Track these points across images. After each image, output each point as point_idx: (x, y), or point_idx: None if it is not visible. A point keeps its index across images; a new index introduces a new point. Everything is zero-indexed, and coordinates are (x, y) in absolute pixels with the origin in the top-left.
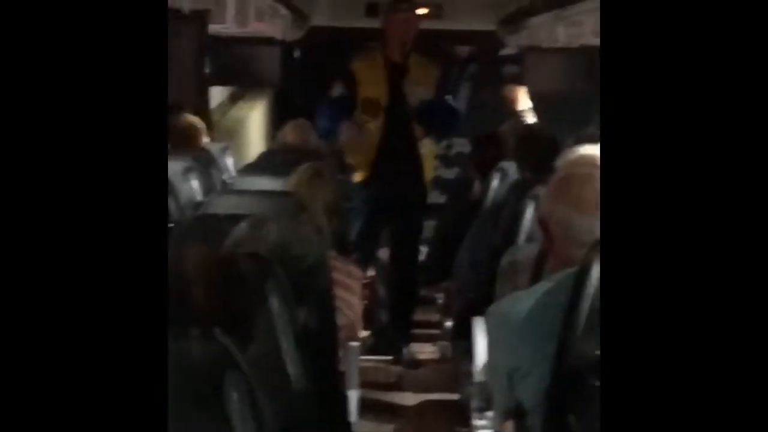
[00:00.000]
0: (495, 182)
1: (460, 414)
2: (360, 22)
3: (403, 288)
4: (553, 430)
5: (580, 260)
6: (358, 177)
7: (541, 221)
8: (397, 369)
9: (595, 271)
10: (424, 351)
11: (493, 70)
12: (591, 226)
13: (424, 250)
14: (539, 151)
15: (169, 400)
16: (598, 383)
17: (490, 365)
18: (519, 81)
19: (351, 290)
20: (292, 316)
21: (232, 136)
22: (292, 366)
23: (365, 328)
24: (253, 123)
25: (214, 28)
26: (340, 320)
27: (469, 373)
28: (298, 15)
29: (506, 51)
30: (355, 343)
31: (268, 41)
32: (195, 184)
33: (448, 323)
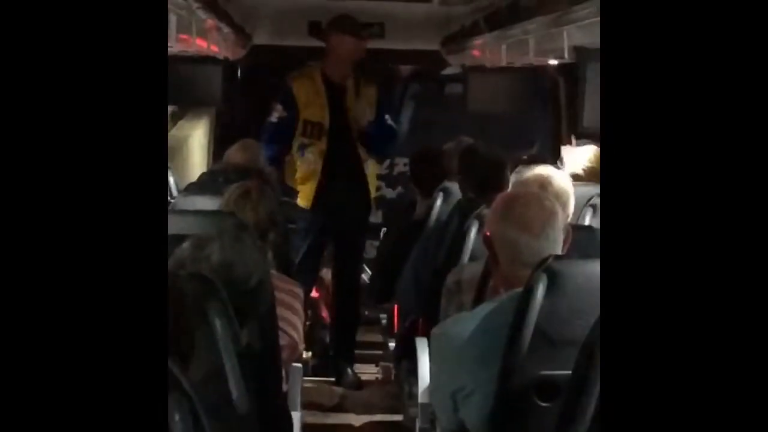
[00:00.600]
0: (438, 202)
1: None
2: (303, 41)
3: (346, 308)
4: None
5: (524, 280)
6: (302, 200)
7: (486, 240)
8: (339, 390)
9: (540, 292)
10: (367, 372)
11: (436, 89)
12: (536, 246)
13: (367, 270)
14: (483, 170)
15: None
16: (542, 403)
17: (433, 386)
18: (462, 100)
19: (293, 310)
20: (234, 337)
21: (173, 155)
22: (235, 387)
23: (307, 349)
24: (195, 142)
25: None
26: (283, 340)
27: (412, 394)
28: (241, 33)
29: (449, 70)
30: (298, 364)
31: (210, 60)
32: None
33: (391, 344)
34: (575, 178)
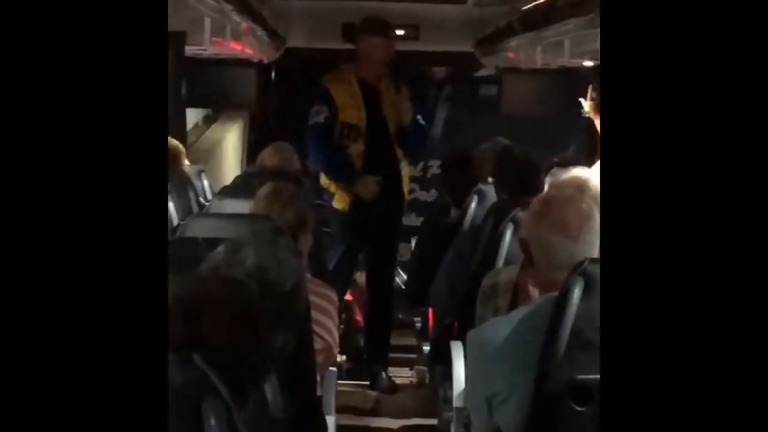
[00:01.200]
0: (473, 205)
1: None
2: (336, 44)
3: (380, 312)
4: None
5: (560, 283)
6: (339, 202)
7: (522, 243)
8: (374, 394)
9: (576, 296)
10: (402, 376)
11: (470, 91)
12: (572, 249)
13: (401, 274)
14: (518, 172)
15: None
16: (578, 408)
17: (468, 390)
18: (496, 102)
19: (328, 314)
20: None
21: (207, 158)
22: (270, 391)
23: (342, 353)
24: (229, 145)
25: (190, 50)
26: (318, 344)
27: (447, 398)
28: (275, 36)
29: (483, 72)
30: (332, 368)
31: (244, 63)
32: (171, 207)
33: (426, 347)
34: None
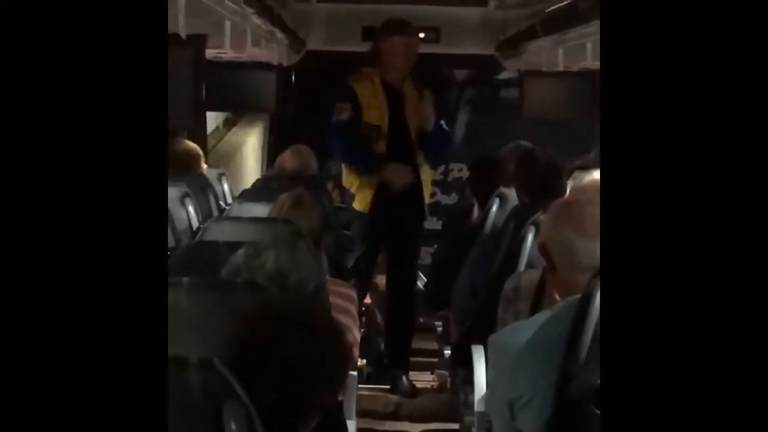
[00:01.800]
0: (494, 208)
1: None
2: (357, 46)
3: (401, 315)
4: None
5: (582, 287)
6: (360, 204)
7: (542, 247)
8: (394, 398)
9: (598, 299)
10: (423, 380)
11: (492, 94)
12: (593, 250)
13: (422, 277)
14: (539, 176)
15: (168, 429)
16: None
17: (490, 394)
18: (518, 105)
19: (348, 313)
20: None
21: (227, 161)
22: None
23: (362, 357)
24: (249, 148)
25: (210, 53)
26: None
27: (468, 403)
28: (295, 39)
29: (505, 75)
30: (353, 372)
31: (265, 66)
32: (191, 210)
33: (447, 351)
34: None
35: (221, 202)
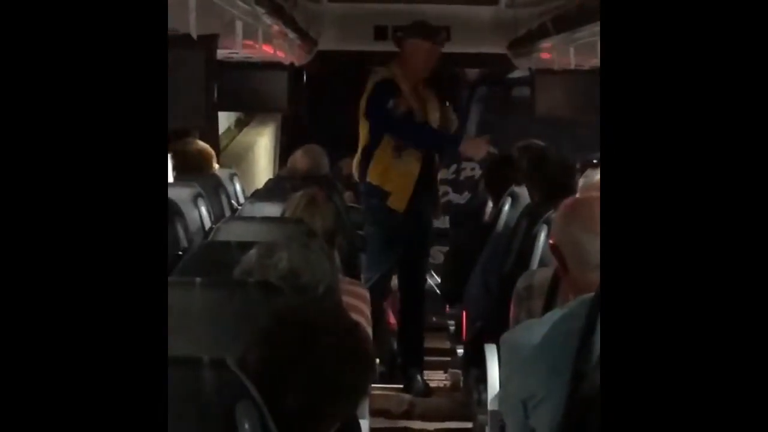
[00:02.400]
0: (506, 207)
1: None
2: (369, 46)
3: (412, 314)
4: None
5: (594, 285)
6: (396, 203)
7: (553, 247)
8: (408, 397)
9: None
10: (436, 379)
11: (503, 92)
12: None
13: (435, 276)
14: (551, 174)
15: (181, 429)
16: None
17: (503, 393)
18: (529, 104)
19: (359, 311)
20: None
21: (239, 162)
22: None
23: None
24: (261, 148)
25: (222, 53)
26: None
27: (482, 402)
28: (307, 39)
29: (516, 74)
30: None
31: (276, 66)
32: (203, 210)
33: (460, 350)
34: None
35: (233, 202)
